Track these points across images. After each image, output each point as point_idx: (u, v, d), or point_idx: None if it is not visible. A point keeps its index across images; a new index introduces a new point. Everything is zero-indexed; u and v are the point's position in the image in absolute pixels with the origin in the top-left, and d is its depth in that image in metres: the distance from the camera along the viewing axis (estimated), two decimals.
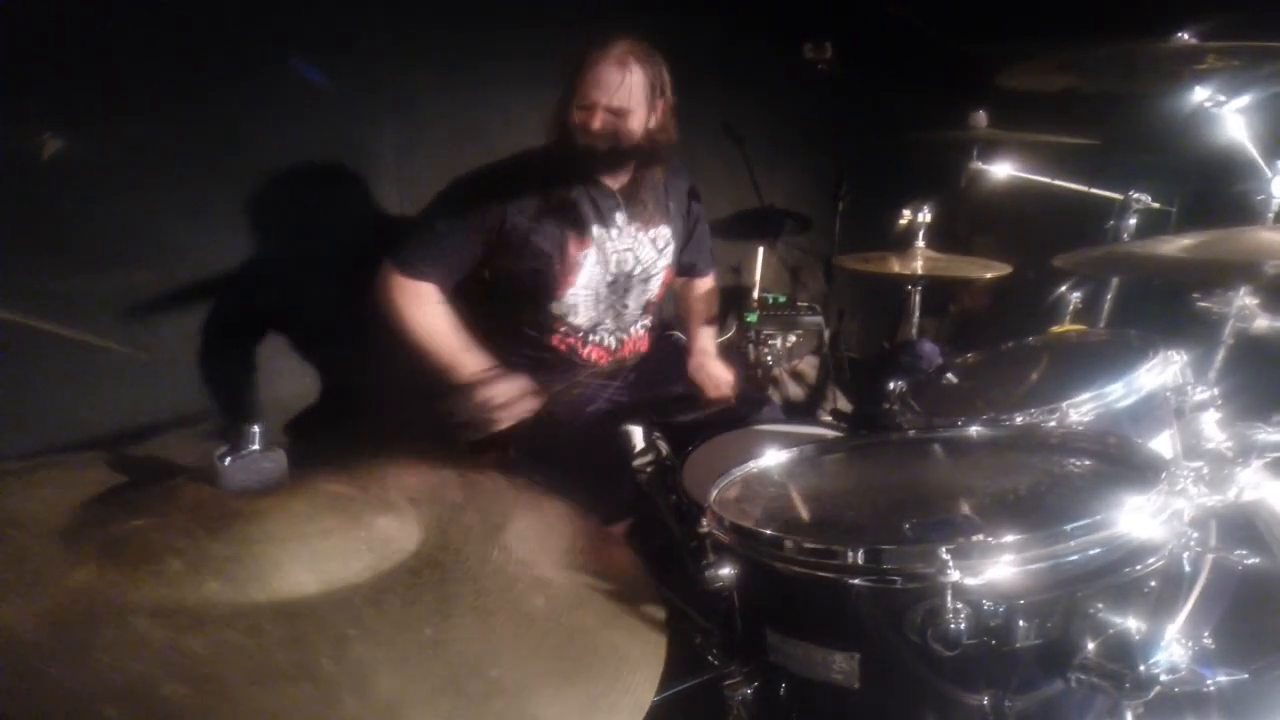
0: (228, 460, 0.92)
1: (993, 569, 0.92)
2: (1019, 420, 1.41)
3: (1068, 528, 0.93)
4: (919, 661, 0.96)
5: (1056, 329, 2.59)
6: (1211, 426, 1.45)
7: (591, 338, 2.11)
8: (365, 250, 2.46)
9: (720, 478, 1.27)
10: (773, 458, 1.34)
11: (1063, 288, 2.71)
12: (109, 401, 2.02)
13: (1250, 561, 1.17)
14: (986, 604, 0.91)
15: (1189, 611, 1.19)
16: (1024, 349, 1.88)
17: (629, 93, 1.86)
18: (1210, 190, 2.32)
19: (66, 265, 1.92)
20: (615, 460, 1.40)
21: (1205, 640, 1.22)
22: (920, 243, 2.75)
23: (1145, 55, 1.96)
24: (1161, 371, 1.45)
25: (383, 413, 2.42)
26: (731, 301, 3.35)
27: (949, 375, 1.75)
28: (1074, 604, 0.93)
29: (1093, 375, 1.46)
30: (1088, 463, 1.18)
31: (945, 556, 0.91)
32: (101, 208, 1.96)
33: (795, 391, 3.45)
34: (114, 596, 0.76)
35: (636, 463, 1.32)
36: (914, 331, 3.03)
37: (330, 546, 0.87)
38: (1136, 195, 2.50)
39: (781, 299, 3.32)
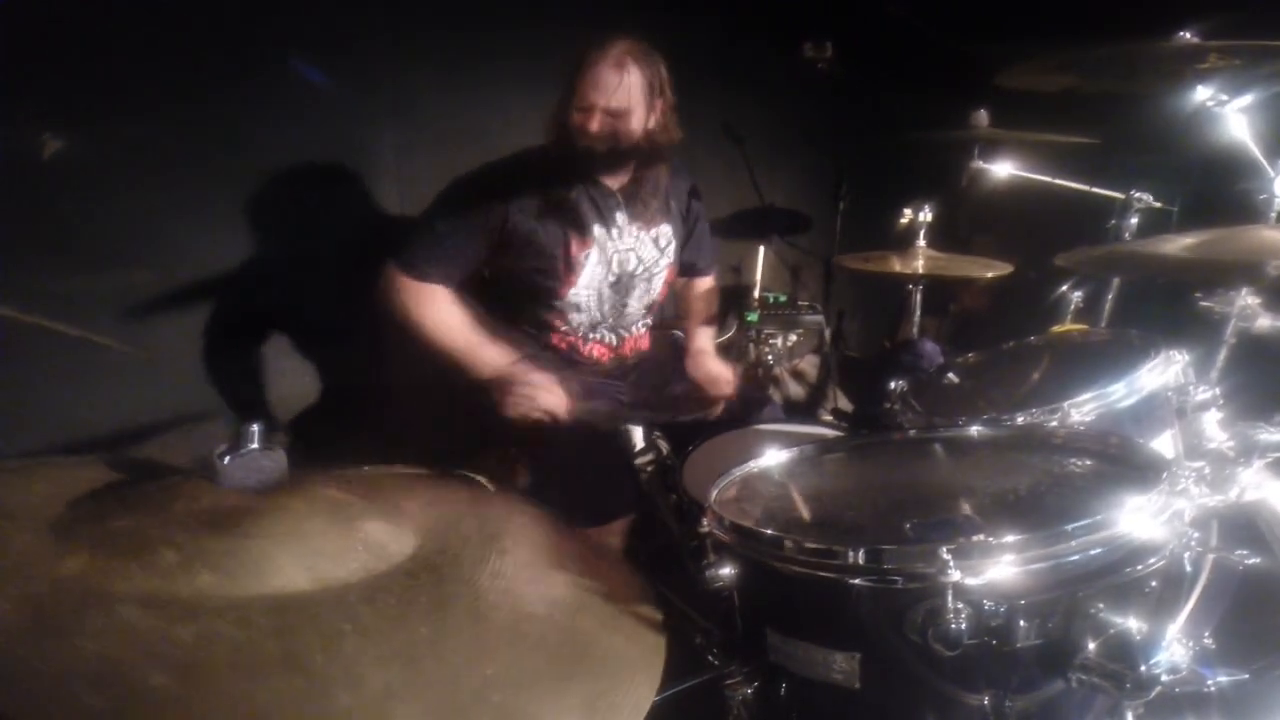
0: (227, 459, 0.92)
1: (993, 569, 0.91)
2: (1020, 420, 1.41)
3: (1069, 528, 0.93)
4: (919, 661, 0.96)
5: (1058, 328, 2.59)
6: (1213, 426, 1.45)
7: (592, 335, 2.11)
8: (365, 250, 2.46)
9: (720, 477, 1.27)
10: (773, 457, 1.34)
11: (1064, 287, 2.71)
12: (109, 401, 2.02)
13: (1251, 562, 1.17)
14: (987, 604, 0.90)
15: (1190, 612, 1.19)
16: (1025, 349, 1.88)
17: (627, 94, 1.86)
18: (1212, 189, 2.32)
19: (66, 265, 1.92)
20: (615, 460, 1.40)
21: (1206, 640, 1.22)
22: (921, 242, 2.74)
23: (1146, 55, 1.95)
24: (1163, 371, 1.45)
25: (383, 412, 2.42)
26: (731, 301, 3.35)
27: (950, 375, 1.75)
28: (1075, 604, 0.92)
29: (1094, 375, 1.45)
30: (1089, 463, 1.18)
31: (946, 556, 0.90)
32: (101, 208, 1.96)
33: (796, 391, 3.45)
34: (103, 585, 0.75)
35: (636, 462, 1.32)
36: (915, 331, 3.03)
37: (327, 545, 0.87)
38: (1138, 194, 2.49)
39: (782, 298, 3.32)
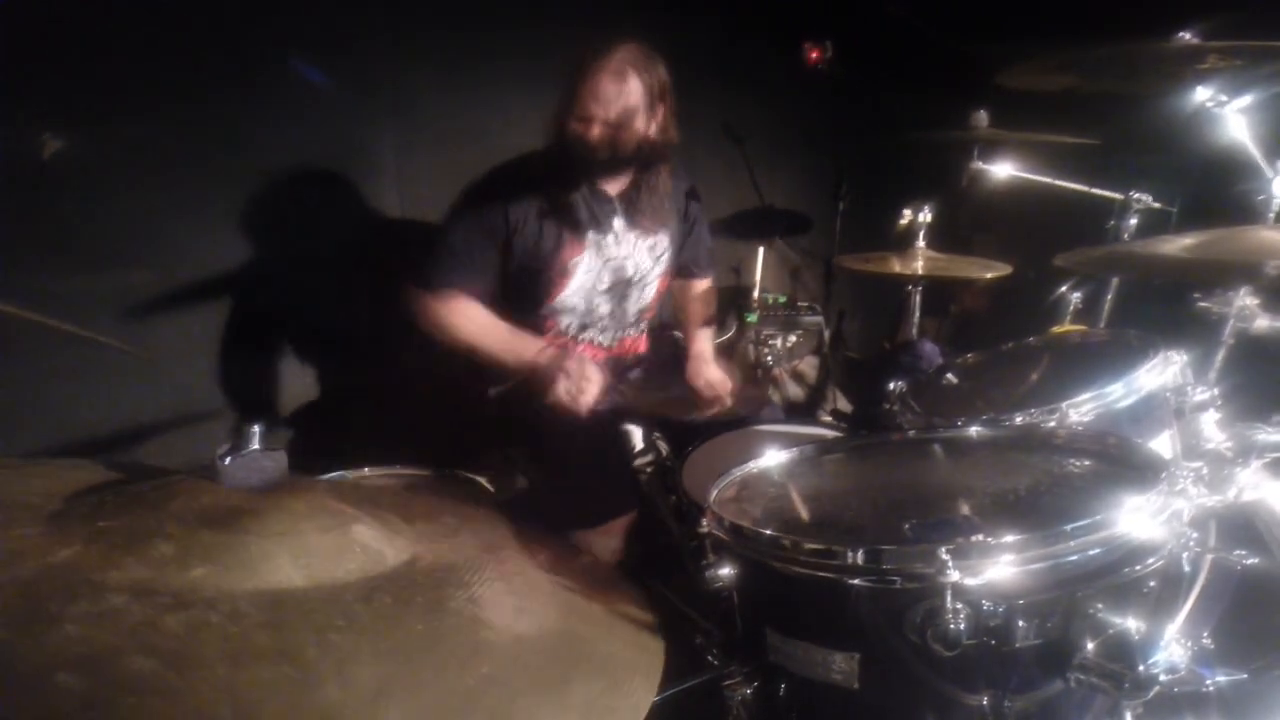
0: (228, 459, 0.92)
1: (992, 569, 0.92)
2: (1019, 420, 1.41)
3: (1067, 528, 0.93)
4: (919, 661, 0.96)
5: (1057, 329, 2.59)
6: (1211, 427, 1.45)
7: (583, 337, 2.11)
8: (365, 250, 2.47)
9: (720, 478, 1.27)
10: (773, 458, 1.34)
11: (1063, 288, 2.71)
12: (109, 401, 2.02)
13: (1249, 562, 1.17)
14: (986, 604, 0.91)
15: (1188, 611, 1.19)
16: (1024, 349, 1.88)
17: (627, 104, 1.86)
18: (1211, 190, 2.32)
19: (66, 265, 1.92)
20: (615, 461, 1.40)
21: (1205, 640, 1.22)
22: (921, 243, 2.74)
23: (1146, 55, 1.95)
24: (1161, 372, 1.45)
25: (383, 412, 2.42)
26: (731, 301, 3.35)
27: (949, 375, 1.75)
28: (1073, 604, 0.93)
29: (1093, 375, 1.46)
30: (1087, 463, 1.18)
31: (945, 557, 0.91)
32: (101, 208, 1.96)
33: (795, 392, 3.45)
34: (95, 574, 0.75)
35: (636, 463, 1.32)
36: (914, 332, 3.03)
37: (325, 545, 0.87)
38: (1137, 195, 2.49)
39: (781, 299, 3.32)
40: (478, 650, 0.79)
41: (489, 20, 2.62)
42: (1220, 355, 1.81)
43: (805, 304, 3.29)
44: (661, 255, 2.13)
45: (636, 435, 1.33)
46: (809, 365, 3.56)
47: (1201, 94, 2.00)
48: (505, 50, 2.63)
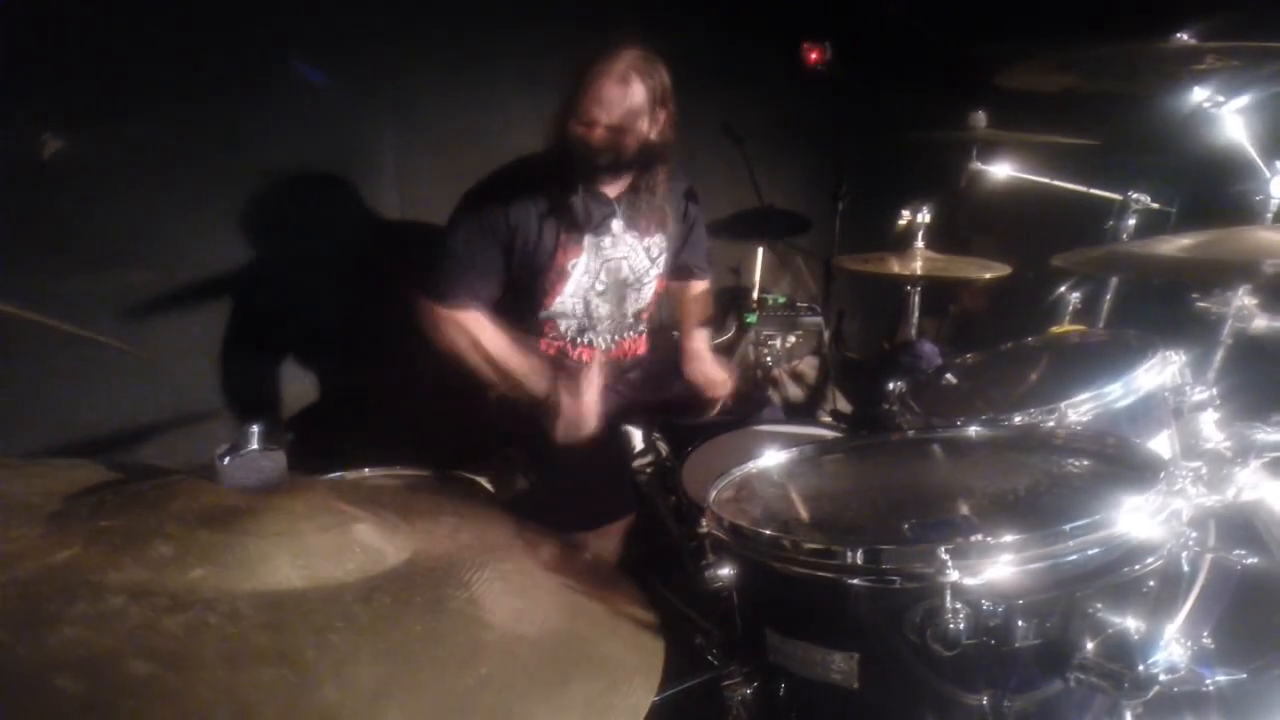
0: (227, 459, 0.92)
1: (992, 569, 0.92)
2: (1018, 420, 1.41)
3: (1066, 528, 0.93)
4: (918, 661, 0.96)
5: (1056, 329, 2.60)
6: (1210, 426, 1.45)
7: (580, 340, 2.11)
8: (365, 251, 2.47)
9: (720, 478, 1.27)
10: (772, 458, 1.34)
11: (1062, 288, 2.71)
12: (109, 401, 2.02)
13: (1249, 561, 1.17)
14: (985, 604, 0.91)
15: (1188, 611, 1.19)
16: (1023, 349, 1.88)
17: (630, 109, 1.86)
18: (1209, 190, 2.32)
19: (66, 265, 1.92)
20: (614, 462, 1.40)
21: (1204, 640, 1.22)
22: (920, 243, 2.75)
23: (1145, 55, 1.95)
24: (1160, 371, 1.45)
25: (383, 413, 2.43)
26: (731, 301, 3.35)
27: (948, 376, 1.75)
28: (1073, 604, 0.93)
29: (1091, 375, 1.46)
30: (1086, 463, 1.18)
31: (944, 556, 0.91)
32: (101, 208, 1.96)
33: (795, 392, 3.45)
34: (94, 575, 0.75)
35: (636, 463, 1.32)
36: (913, 332, 3.03)
37: (324, 545, 0.87)
38: (1136, 195, 2.50)
39: (781, 299, 3.32)
40: (477, 651, 0.79)
41: (489, 20, 2.62)
42: (1219, 355, 1.81)
43: (805, 304, 3.29)
44: (659, 256, 2.13)
45: (636, 435, 1.34)
46: (808, 365, 3.56)
47: (1199, 94, 2.00)
48: (505, 50, 2.63)
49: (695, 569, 1.10)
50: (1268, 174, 1.89)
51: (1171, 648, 0.92)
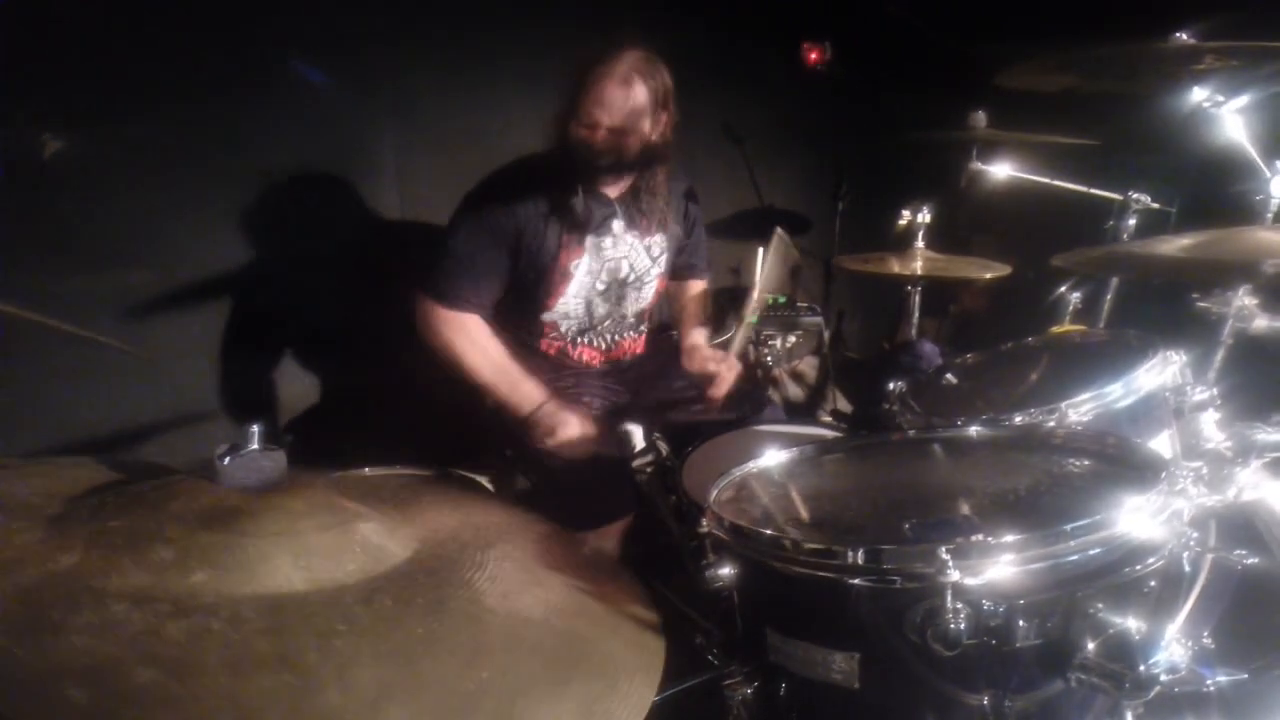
0: (227, 459, 0.92)
1: (992, 569, 0.92)
2: (1018, 420, 1.41)
3: (1067, 528, 0.93)
4: (919, 661, 0.96)
5: (1056, 329, 2.59)
6: (1210, 426, 1.45)
7: (581, 340, 2.10)
8: (365, 250, 2.47)
9: (720, 478, 1.27)
10: (772, 458, 1.34)
11: (1062, 288, 2.71)
12: (109, 401, 2.02)
13: (1250, 561, 1.17)
14: (986, 604, 0.91)
15: (1189, 611, 1.19)
16: (1023, 349, 1.88)
17: (632, 112, 1.85)
18: (1209, 190, 2.32)
19: (66, 265, 1.92)
20: (614, 462, 1.40)
21: (1205, 640, 1.23)
22: (920, 243, 2.75)
23: (1144, 55, 1.96)
24: (1161, 372, 1.45)
25: (383, 413, 2.43)
26: (731, 302, 3.35)
27: (949, 375, 1.75)
28: (1074, 604, 0.93)
29: (1092, 375, 1.46)
30: (1087, 463, 1.18)
31: (945, 556, 0.91)
32: (101, 208, 1.96)
33: (795, 392, 3.45)
34: (97, 581, 0.75)
35: (636, 463, 1.32)
36: (914, 332, 3.03)
37: (325, 544, 0.87)
38: (1136, 195, 2.50)
39: (781, 299, 3.32)
40: (478, 653, 0.79)
41: (489, 20, 2.62)
42: (1219, 355, 1.81)
43: (805, 304, 3.29)
44: (660, 256, 2.13)
45: (637, 435, 1.33)
46: (809, 365, 3.56)
47: (1199, 94, 2.00)
48: (505, 50, 2.63)
49: (695, 569, 1.10)
50: (1268, 174, 1.89)
51: (1172, 648, 0.92)
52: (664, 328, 2.45)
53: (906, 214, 2.75)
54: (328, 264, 2.35)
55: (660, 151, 1.96)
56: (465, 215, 1.95)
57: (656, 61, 1.90)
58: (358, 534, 0.91)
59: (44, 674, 0.64)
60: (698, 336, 2.24)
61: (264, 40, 2.20)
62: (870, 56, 3.35)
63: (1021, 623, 0.91)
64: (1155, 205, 2.53)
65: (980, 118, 2.71)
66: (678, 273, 2.29)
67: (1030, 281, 2.74)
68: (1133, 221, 2.51)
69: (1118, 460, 1.16)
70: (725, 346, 2.17)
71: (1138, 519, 0.96)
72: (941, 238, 2.81)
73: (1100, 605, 0.92)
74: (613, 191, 2.02)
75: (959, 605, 0.90)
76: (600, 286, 2.05)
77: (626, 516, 1.88)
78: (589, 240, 1.99)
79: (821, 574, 0.99)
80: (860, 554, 0.96)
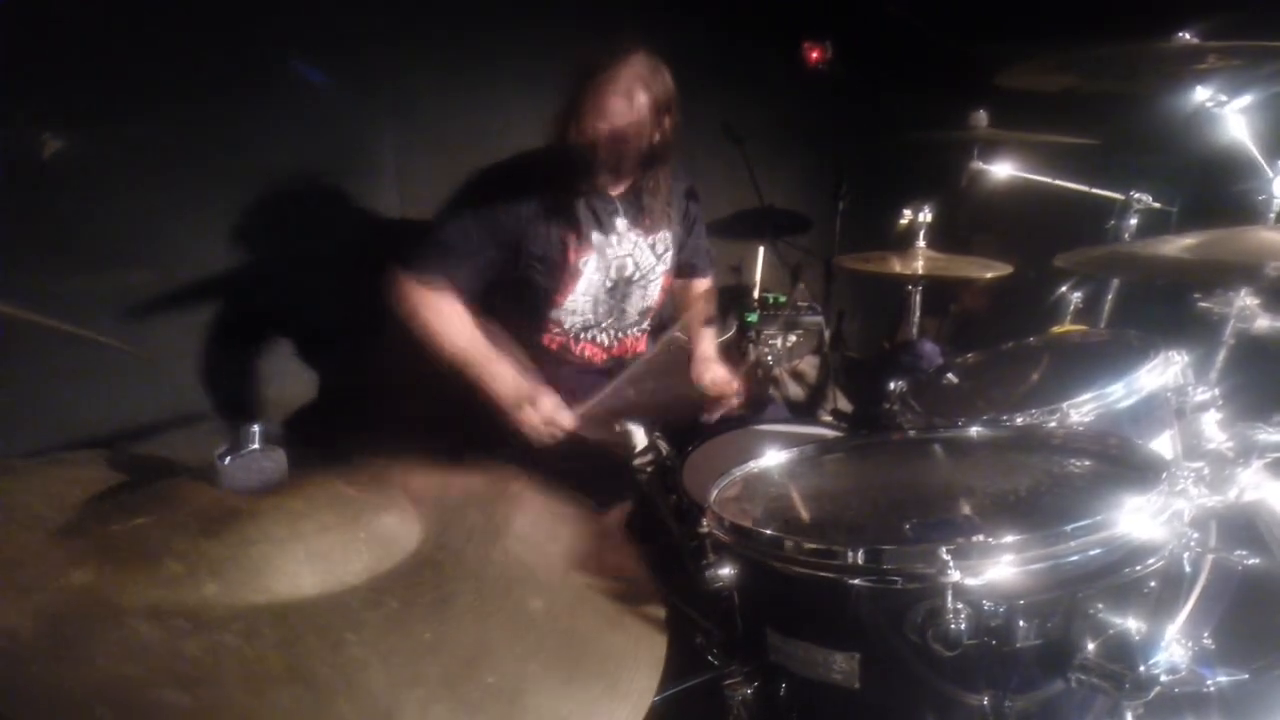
0: (228, 460, 0.92)
1: (993, 569, 0.92)
2: (1019, 420, 1.41)
3: (1068, 528, 0.93)
4: (919, 661, 0.96)
5: (1057, 329, 2.59)
6: (1212, 427, 1.45)
7: (584, 336, 2.10)
8: (365, 250, 2.46)
9: (720, 478, 1.27)
10: (773, 458, 1.34)
11: (1063, 288, 2.71)
12: (109, 401, 2.02)
13: (1250, 562, 1.17)
14: (987, 604, 0.91)
15: (1189, 612, 1.19)
16: (1024, 349, 1.88)
17: (633, 122, 1.85)
18: (1211, 190, 2.32)
19: (66, 265, 1.92)
20: (613, 461, 1.40)
21: (1205, 641, 1.22)
22: (921, 242, 2.74)
23: (1146, 55, 1.95)
24: (1162, 372, 1.45)
25: (382, 412, 2.42)
26: (731, 301, 3.35)
27: (949, 375, 1.75)
28: (1074, 604, 0.92)
29: (1093, 376, 1.46)
30: (1088, 463, 1.18)
31: (945, 557, 0.91)
32: (101, 208, 1.96)
33: (795, 391, 3.45)
34: (112, 598, 0.76)
35: (636, 462, 1.32)
36: (914, 331, 3.03)
37: (328, 545, 0.87)
38: (1137, 195, 2.50)
39: (781, 299, 3.32)
40: (483, 655, 0.79)
41: (489, 20, 2.62)
42: (1221, 355, 1.81)
43: (805, 304, 3.29)
44: (664, 253, 2.13)
45: (637, 435, 1.33)
46: (809, 365, 3.56)
47: (1201, 94, 2.00)
48: (505, 50, 2.63)
49: (696, 569, 1.10)
50: (1270, 173, 1.89)
51: (1173, 648, 0.92)
52: (664, 327, 2.45)
53: (907, 213, 2.74)
54: (328, 264, 2.35)
55: (662, 153, 1.96)
56: (456, 203, 1.95)
57: (659, 66, 1.89)
58: (361, 531, 0.91)
59: (75, 697, 0.65)
60: (707, 344, 2.23)
61: (264, 40, 2.20)
62: (870, 56, 3.35)
63: (1022, 623, 0.91)
64: (1157, 205, 2.53)
65: (981, 117, 2.71)
66: (681, 272, 2.30)
67: (1031, 281, 2.74)
68: (1134, 221, 2.51)
69: (1118, 461, 1.16)
70: (726, 349, 2.17)
71: (1138, 519, 0.96)
72: (942, 237, 2.81)
73: (1101, 606, 0.92)
74: (614, 190, 2.02)
75: (959, 605, 0.90)
76: (608, 284, 2.05)
77: (623, 504, 1.87)
78: (596, 238, 1.99)
79: (822, 574, 0.99)
80: (861, 554, 0.96)
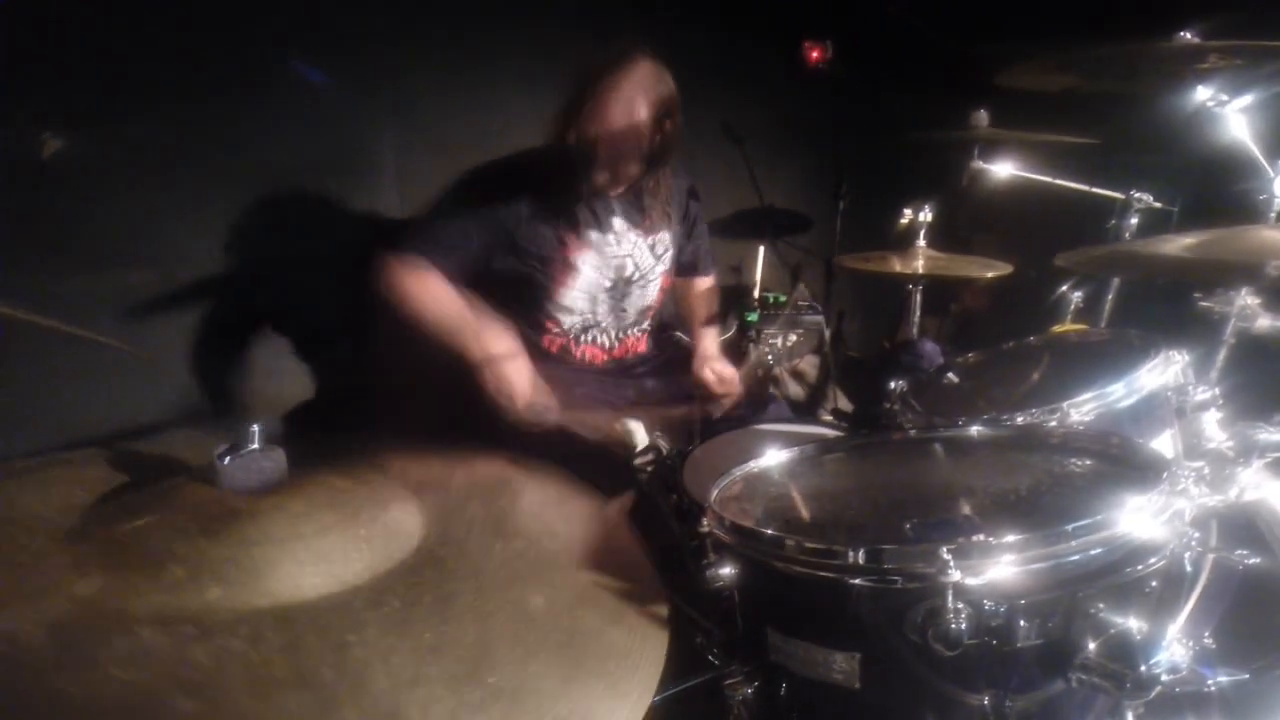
0: (227, 459, 0.92)
1: (994, 569, 0.91)
2: (1020, 420, 1.41)
3: (1069, 528, 0.93)
4: (919, 661, 0.96)
5: (1058, 328, 2.59)
6: (1213, 426, 1.45)
7: (584, 338, 2.10)
8: (365, 250, 2.46)
9: (721, 477, 1.27)
10: (773, 457, 1.34)
11: (1064, 287, 2.71)
12: (109, 401, 2.02)
13: (1251, 561, 1.17)
14: (987, 604, 0.90)
15: (1190, 611, 1.19)
16: (1025, 348, 1.88)
17: (635, 127, 1.85)
18: (1212, 190, 2.32)
19: (66, 265, 1.92)
20: (616, 460, 1.40)
21: (1206, 640, 1.22)
22: (921, 242, 2.74)
23: (1146, 55, 1.95)
24: (1163, 371, 1.45)
25: (383, 412, 2.42)
26: (731, 301, 3.35)
27: (950, 375, 1.75)
28: (1075, 604, 0.92)
29: (1094, 375, 1.45)
30: (1089, 462, 1.18)
31: (946, 556, 0.90)
32: (101, 208, 1.96)
33: (796, 391, 3.45)
34: (119, 605, 0.77)
35: (637, 462, 1.32)
36: (915, 331, 3.03)
37: (329, 545, 0.87)
38: (1138, 195, 2.50)
39: (782, 299, 3.32)
40: (484, 657, 0.79)
41: (489, 20, 2.62)
42: (1222, 355, 1.81)
43: (805, 303, 3.29)
44: (664, 254, 2.13)
45: (638, 433, 1.33)
46: (809, 364, 3.56)
47: (1202, 93, 2.00)
48: (505, 50, 2.63)
49: (696, 568, 1.10)
50: (1271, 173, 1.89)
51: (1173, 648, 0.92)
52: (665, 327, 2.45)
53: (908, 213, 2.74)
54: (328, 264, 2.35)
55: (662, 156, 1.96)
56: (452, 197, 1.95)
57: (662, 72, 1.88)
58: (361, 529, 0.91)
59: (92, 709, 0.66)
60: (709, 342, 2.23)
61: (264, 40, 2.20)
62: (870, 56, 3.35)
63: (1022, 623, 0.91)
64: (1157, 204, 2.53)
65: (982, 116, 2.71)
66: (683, 271, 2.30)
67: (1032, 281, 2.74)
68: (1135, 221, 2.51)
69: (1119, 460, 1.16)
70: (726, 348, 2.17)
71: (1139, 519, 0.96)
72: (943, 237, 2.81)
73: (1101, 605, 0.92)
74: (613, 191, 2.02)
75: (960, 605, 0.90)
76: (606, 284, 2.05)
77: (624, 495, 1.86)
78: (593, 236, 1.99)
79: (822, 574, 0.99)
80: (861, 554, 0.96)
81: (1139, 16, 2.02)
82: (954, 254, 2.82)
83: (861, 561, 0.96)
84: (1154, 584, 0.98)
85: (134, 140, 1.98)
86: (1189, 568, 1.03)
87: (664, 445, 1.33)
